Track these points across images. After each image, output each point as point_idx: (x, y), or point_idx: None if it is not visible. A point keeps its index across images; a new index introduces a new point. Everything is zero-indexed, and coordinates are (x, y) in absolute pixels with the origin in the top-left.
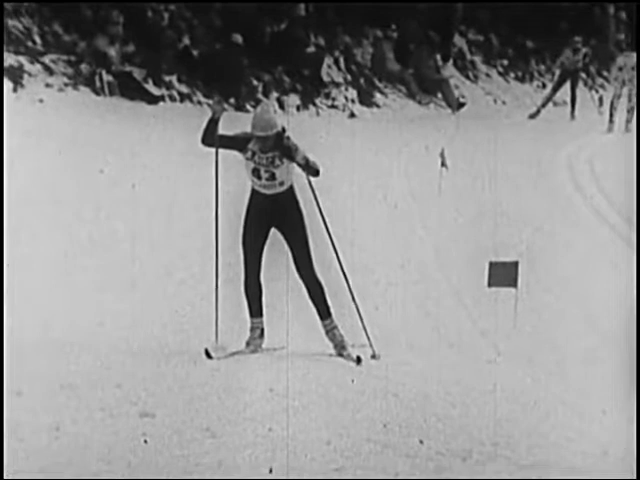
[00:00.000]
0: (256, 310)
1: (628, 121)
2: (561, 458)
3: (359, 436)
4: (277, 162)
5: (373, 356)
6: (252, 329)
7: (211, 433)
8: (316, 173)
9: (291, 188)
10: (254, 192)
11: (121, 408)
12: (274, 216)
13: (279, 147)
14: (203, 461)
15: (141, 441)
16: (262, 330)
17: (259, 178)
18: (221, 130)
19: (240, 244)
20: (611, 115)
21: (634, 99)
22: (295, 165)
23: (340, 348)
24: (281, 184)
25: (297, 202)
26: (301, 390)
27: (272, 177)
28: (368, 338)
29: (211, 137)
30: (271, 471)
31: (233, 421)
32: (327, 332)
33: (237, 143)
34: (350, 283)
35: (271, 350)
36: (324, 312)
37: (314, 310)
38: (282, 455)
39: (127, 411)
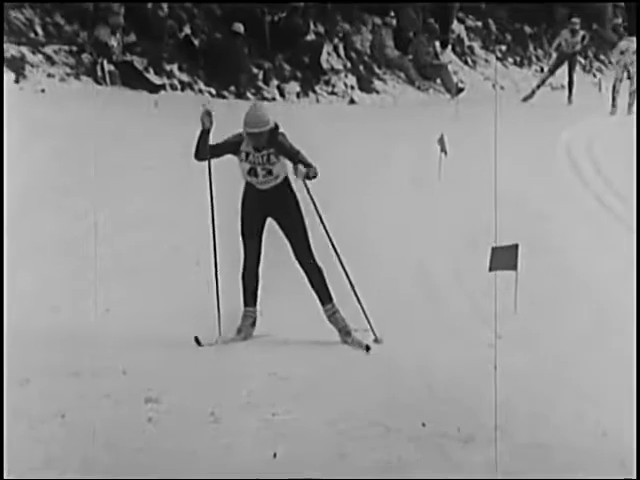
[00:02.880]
0: (251, 299)
1: (630, 104)
2: (562, 439)
3: (362, 420)
4: (273, 159)
5: (376, 340)
6: (245, 317)
7: (215, 418)
8: (314, 176)
9: (286, 179)
10: (248, 185)
11: (126, 394)
12: (270, 207)
13: (274, 144)
14: (208, 446)
15: (146, 426)
16: (254, 319)
17: (256, 176)
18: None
19: (239, 235)
20: (613, 99)
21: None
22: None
23: (344, 333)
24: (277, 177)
25: (293, 191)
26: (304, 375)
27: (269, 173)
28: (369, 323)
29: (204, 151)
30: (275, 455)
31: (237, 406)
32: (329, 317)
33: (229, 147)
34: (347, 269)
35: (262, 337)
36: (325, 297)
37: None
38: (286, 439)
39: (133, 397)
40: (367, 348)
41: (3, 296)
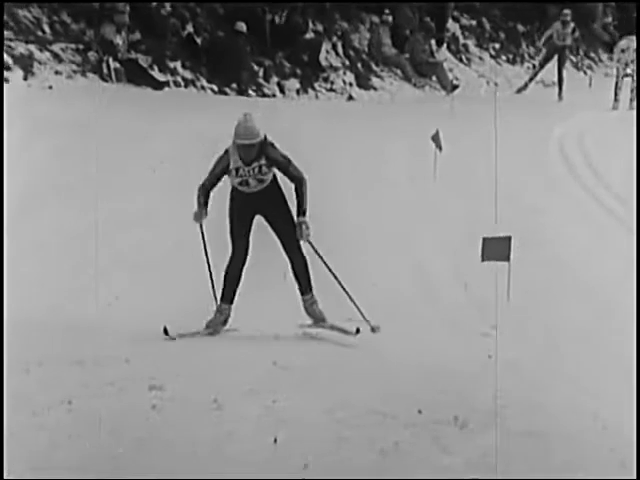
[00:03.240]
0: (229, 297)
1: (632, 99)
2: (558, 428)
3: (360, 407)
4: (264, 169)
5: (373, 330)
6: (219, 312)
7: (217, 405)
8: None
9: (274, 179)
10: (235, 189)
11: (130, 382)
12: (258, 205)
13: (264, 157)
14: (210, 432)
15: (150, 414)
16: (227, 317)
17: (248, 186)
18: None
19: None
20: (616, 94)
21: None
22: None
23: (319, 322)
24: (266, 181)
25: (280, 189)
26: (303, 364)
27: (260, 182)
28: (362, 314)
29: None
30: (276, 441)
31: (239, 394)
32: (307, 308)
33: (220, 173)
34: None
35: (231, 331)
36: (305, 287)
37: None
38: (286, 425)
39: (136, 385)
40: (357, 331)
41: (3, 290)
